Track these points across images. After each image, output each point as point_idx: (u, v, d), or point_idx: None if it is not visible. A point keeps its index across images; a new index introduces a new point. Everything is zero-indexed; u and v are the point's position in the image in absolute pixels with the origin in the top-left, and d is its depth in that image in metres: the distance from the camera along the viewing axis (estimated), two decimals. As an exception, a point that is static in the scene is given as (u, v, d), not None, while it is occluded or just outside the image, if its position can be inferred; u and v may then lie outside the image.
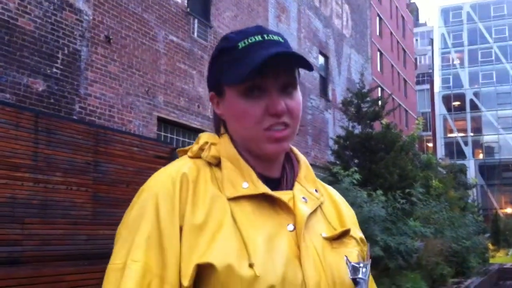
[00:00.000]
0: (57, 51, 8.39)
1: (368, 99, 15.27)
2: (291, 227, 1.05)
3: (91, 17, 9.16)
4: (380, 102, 15.79)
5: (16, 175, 5.81)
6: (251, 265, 0.97)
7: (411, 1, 68.23)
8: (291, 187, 1.12)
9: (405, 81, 40.99)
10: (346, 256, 1.08)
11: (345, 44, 23.06)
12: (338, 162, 14.05)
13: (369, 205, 10.04)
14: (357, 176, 10.79)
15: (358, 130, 14.94)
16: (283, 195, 1.08)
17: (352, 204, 8.25)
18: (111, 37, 9.54)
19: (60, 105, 8.36)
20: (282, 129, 1.07)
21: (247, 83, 1.05)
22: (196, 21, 12.21)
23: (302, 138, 17.94)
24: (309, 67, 1.08)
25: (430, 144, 62.68)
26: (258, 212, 1.05)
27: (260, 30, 1.10)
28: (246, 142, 1.10)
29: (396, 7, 39.22)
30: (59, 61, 8.40)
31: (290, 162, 1.17)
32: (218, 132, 1.16)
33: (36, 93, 7.96)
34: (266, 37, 1.09)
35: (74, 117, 8.43)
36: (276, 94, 1.06)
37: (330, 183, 11.45)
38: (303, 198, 1.11)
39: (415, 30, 61.66)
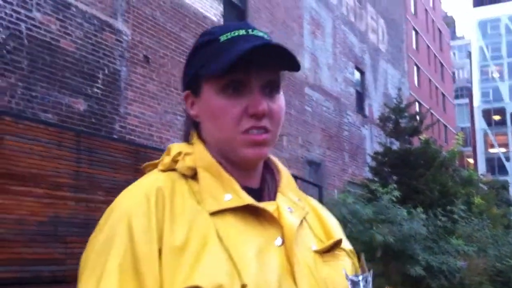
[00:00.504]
0: (98, 71, 8.55)
1: (406, 114, 15.09)
2: (279, 240, 0.96)
3: (130, 37, 9.32)
4: (418, 117, 15.57)
5: (59, 194, 5.91)
6: (244, 286, 0.88)
7: (448, 14, 67.49)
8: (273, 198, 1.03)
9: (443, 95, 40.41)
10: (345, 270, 1.00)
11: (381, 58, 22.89)
12: (376, 179, 13.87)
13: (410, 223, 9.86)
14: (396, 193, 10.62)
15: (396, 146, 14.76)
16: (267, 206, 0.98)
17: (391, 223, 8.12)
18: (149, 56, 9.68)
19: (101, 124, 8.49)
20: (262, 132, 0.98)
21: (226, 78, 0.96)
22: (232, 39, 12.31)
23: (339, 154, 17.80)
24: (296, 65, 0.99)
25: (471, 160, 61.46)
26: (244, 226, 0.95)
27: (245, 25, 1.01)
28: (221, 146, 1.00)
29: (433, 20, 38.83)
30: (99, 81, 8.55)
31: (270, 171, 1.08)
32: (187, 137, 1.05)
33: (78, 113, 8.11)
34: (250, 32, 1.00)
35: (114, 136, 8.55)
36: (257, 93, 0.97)
37: (368, 200, 11.35)
38: (288, 208, 1.01)
39: (452, 43, 60.87)
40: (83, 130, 7.38)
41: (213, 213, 0.94)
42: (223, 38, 0.98)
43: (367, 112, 20.65)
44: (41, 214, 5.66)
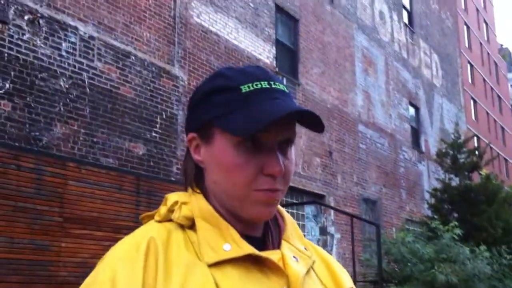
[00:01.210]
0: (156, 116, 8.81)
1: (464, 149, 14.74)
2: None
3: (186, 82, 9.59)
4: (477, 152, 15.19)
5: (119, 237, 6.03)
6: None
7: (503, 46, 66.12)
8: (278, 246, 0.97)
9: (502, 128, 39.29)
10: None
11: (436, 93, 22.57)
12: (436, 216, 13.52)
13: (473, 261, 9.53)
14: (458, 230, 10.32)
15: (455, 182, 14.39)
16: (271, 255, 0.93)
17: (454, 262, 7.86)
18: (205, 100, 9.91)
19: (159, 167, 8.70)
20: (275, 191, 0.93)
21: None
22: (284, 79, 12.46)
23: (396, 191, 17.49)
24: (321, 128, 0.94)
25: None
26: (246, 277, 0.89)
27: (264, 74, 0.95)
28: (229, 200, 0.94)
29: (488, 53, 38.14)
30: (157, 125, 8.80)
31: (274, 218, 1.01)
32: (188, 182, 0.99)
33: (137, 157, 8.35)
34: (272, 85, 0.93)
35: (172, 178, 8.73)
36: (275, 152, 0.92)
37: (428, 238, 11.06)
38: (294, 257, 0.96)
39: (510, 75, 59.40)
40: (142, 174, 7.58)
41: (212, 265, 0.88)
42: (244, 88, 0.92)
43: (423, 147, 20.29)
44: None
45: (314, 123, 0.93)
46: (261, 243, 0.96)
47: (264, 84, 0.92)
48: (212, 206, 0.95)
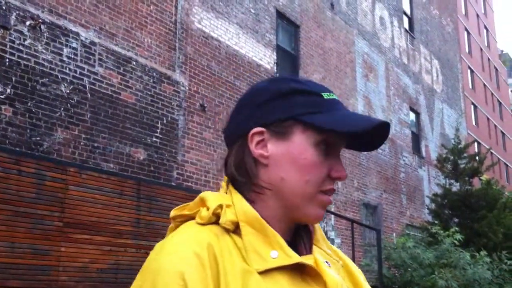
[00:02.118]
0: (157, 121, 8.83)
1: (465, 154, 14.74)
2: None
3: (187, 88, 9.62)
4: (478, 158, 15.18)
5: (120, 242, 6.07)
6: None
7: (503, 52, 66.17)
8: (310, 251, 0.98)
9: (503, 134, 39.29)
10: None
11: (437, 99, 22.60)
12: (436, 221, 13.52)
13: (473, 267, 9.52)
14: (458, 236, 10.32)
15: (455, 187, 14.39)
16: (307, 260, 0.93)
17: (454, 267, 7.85)
18: (205, 105, 9.94)
19: (160, 172, 8.71)
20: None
21: (326, 135, 0.95)
22: (285, 85, 12.48)
23: (396, 197, 17.49)
24: (379, 145, 0.99)
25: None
26: (293, 285, 0.89)
27: (325, 88, 1.00)
28: (293, 196, 0.94)
29: (488, 59, 38.18)
30: (158, 130, 8.82)
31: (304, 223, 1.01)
32: (250, 178, 0.96)
33: (138, 162, 8.37)
34: (337, 98, 0.99)
35: (173, 183, 8.74)
36: (339, 158, 0.97)
37: (429, 244, 11.05)
38: (326, 262, 0.97)
39: (510, 81, 59.42)
40: (143, 179, 7.60)
41: (261, 272, 0.88)
42: (325, 95, 0.96)
43: (423, 153, 20.30)
44: (102, 262, 5.82)
45: (373, 141, 0.99)
46: (293, 247, 0.95)
47: (334, 96, 0.98)
48: (254, 208, 0.94)
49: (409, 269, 10.00)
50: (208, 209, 0.93)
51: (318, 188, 0.94)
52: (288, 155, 0.94)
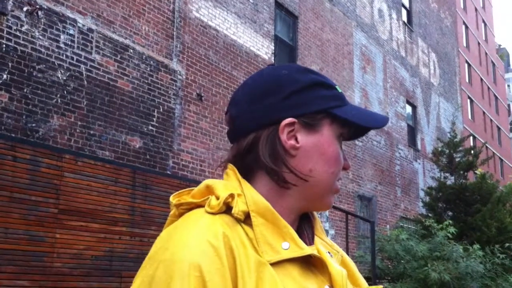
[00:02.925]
0: (153, 110, 8.82)
1: (460, 148, 14.78)
2: None
3: (184, 77, 9.60)
4: (473, 152, 15.22)
5: (114, 229, 6.08)
6: None
7: (501, 47, 66.19)
8: (312, 242, 0.98)
9: (498, 128, 39.39)
10: None
11: (433, 92, 22.62)
12: (430, 214, 13.58)
13: (466, 260, 9.57)
14: (452, 229, 10.36)
15: (450, 181, 14.44)
16: (314, 252, 0.93)
17: (447, 260, 7.88)
18: (202, 94, 9.93)
19: (155, 160, 8.71)
20: None
21: (346, 129, 0.99)
22: (283, 75, 12.47)
23: (391, 189, 17.54)
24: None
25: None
26: (300, 275, 0.89)
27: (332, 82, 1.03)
28: (319, 188, 0.96)
29: (486, 53, 38.18)
30: (154, 119, 8.81)
31: (305, 214, 1.01)
32: (282, 167, 0.94)
33: (133, 150, 8.36)
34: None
35: (168, 172, 8.74)
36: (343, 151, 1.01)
37: (422, 236, 11.10)
38: (328, 253, 0.98)
39: (507, 75, 59.49)
40: (138, 167, 7.59)
41: (273, 264, 0.87)
42: (338, 89, 1.00)
43: (419, 146, 20.34)
44: (97, 249, 5.83)
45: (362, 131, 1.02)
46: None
47: (340, 90, 1.02)
48: (267, 199, 0.93)
49: (402, 261, 10.05)
50: (217, 198, 0.90)
51: (336, 179, 0.98)
52: (318, 147, 0.95)
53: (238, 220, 0.89)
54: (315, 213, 1.03)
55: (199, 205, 0.92)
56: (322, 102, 0.96)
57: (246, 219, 0.90)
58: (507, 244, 11.83)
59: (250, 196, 0.91)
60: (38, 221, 5.36)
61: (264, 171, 0.95)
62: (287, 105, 0.95)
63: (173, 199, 0.95)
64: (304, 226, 0.99)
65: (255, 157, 0.95)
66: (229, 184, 0.94)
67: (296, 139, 0.95)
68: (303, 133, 0.95)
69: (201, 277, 0.79)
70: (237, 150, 0.97)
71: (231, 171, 0.96)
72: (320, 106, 0.96)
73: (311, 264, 0.92)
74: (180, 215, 0.93)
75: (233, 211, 0.89)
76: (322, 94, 0.97)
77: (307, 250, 0.90)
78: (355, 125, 0.98)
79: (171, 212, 0.95)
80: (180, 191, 0.97)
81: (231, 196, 0.90)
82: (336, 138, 0.97)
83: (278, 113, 0.95)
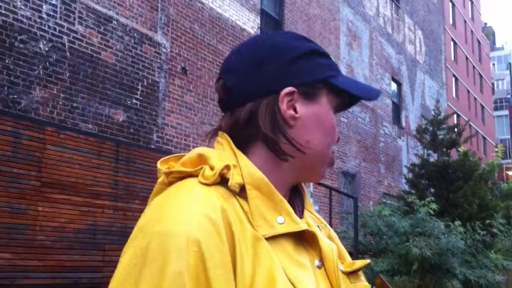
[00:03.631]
0: (137, 83, 8.72)
1: (444, 126, 14.89)
2: (317, 263, 0.89)
3: (169, 50, 9.49)
4: (456, 129, 15.35)
5: (97, 203, 6.05)
6: None
7: (487, 25, 66.37)
8: (301, 215, 0.94)
9: (482, 107, 39.68)
10: None
11: (419, 70, 22.66)
12: (413, 191, 13.72)
13: (447, 236, 9.71)
14: (434, 206, 10.49)
15: (433, 158, 14.56)
16: (305, 226, 0.90)
17: (429, 236, 8.00)
18: (187, 68, 9.83)
19: (139, 134, 8.65)
20: None
21: (340, 100, 0.96)
22: (268, 50, 12.39)
23: (375, 166, 17.65)
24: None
25: (511, 173, 60.01)
26: (293, 250, 0.86)
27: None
28: (314, 158, 0.93)
29: (472, 31, 38.24)
30: (138, 92, 8.72)
31: (295, 187, 0.98)
32: (280, 137, 0.91)
33: (117, 123, 8.29)
34: None
35: (152, 146, 8.69)
36: None
37: (405, 213, 11.23)
38: (318, 227, 0.95)
39: (492, 54, 59.77)
40: (122, 140, 7.54)
41: (268, 238, 0.83)
42: (331, 59, 0.98)
43: (403, 123, 20.44)
44: (80, 222, 5.81)
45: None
46: None
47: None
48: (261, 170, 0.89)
49: (384, 237, 10.17)
50: (212, 168, 0.85)
51: (330, 150, 0.95)
52: (316, 117, 0.92)
53: (233, 193, 0.85)
54: (304, 187, 1.00)
55: (191, 175, 0.86)
56: (320, 72, 0.94)
57: (240, 192, 0.86)
58: (488, 221, 12.03)
59: (245, 168, 0.87)
60: (20, 193, 5.31)
61: (262, 142, 0.91)
62: (286, 74, 0.92)
63: (161, 165, 0.90)
64: (294, 199, 0.95)
65: (254, 127, 0.91)
66: (223, 154, 0.89)
67: (294, 109, 0.91)
68: (301, 103, 0.92)
69: (200, 252, 0.75)
70: (234, 120, 0.92)
71: (225, 141, 0.92)
72: (319, 75, 0.93)
73: (303, 238, 0.89)
74: (170, 183, 0.88)
75: (229, 183, 0.84)
76: (319, 63, 0.94)
77: (302, 225, 0.87)
78: (353, 96, 0.95)
79: (159, 180, 0.89)
80: (167, 157, 0.92)
81: (227, 167, 0.85)
82: (333, 108, 0.95)
83: (278, 82, 0.91)
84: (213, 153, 0.89)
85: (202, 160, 0.88)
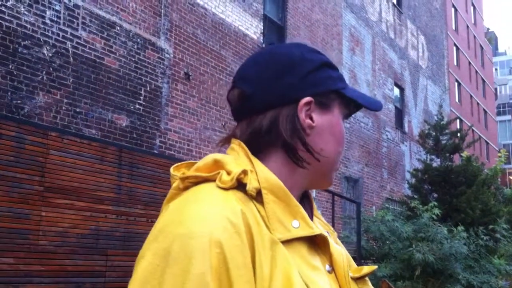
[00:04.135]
0: (140, 88, 8.75)
1: (447, 131, 14.86)
2: (328, 267, 0.92)
3: (172, 55, 9.52)
4: (459, 134, 15.31)
5: (100, 208, 6.05)
6: None
7: (490, 30, 66.38)
8: (311, 220, 0.96)
9: (485, 111, 39.64)
10: None
11: (421, 75, 22.66)
12: (416, 196, 13.68)
13: (450, 241, 9.68)
14: (436, 211, 10.46)
15: (436, 163, 14.53)
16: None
17: (431, 241, 7.97)
18: (190, 73, 9.86)
19: (142, 139, 8.67)
20: None
21: (349, 111, 1.03)
22: (271, 56, 12.40)
23: (378, 171, 17.63)
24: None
25: (513, 177, 59.88)
26: (307, 254, 0.89)
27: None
28: (326, 167, 0.97)
29: (474, 36, 38.25)
30: (141, 97, 8.75)
31: (304, 193, 1.02)
32: (302, 145, 0.94)
33: (120, 128, 8.31)
34: None
35: (155, 151, 8.71)
36: None
37: (408, 218, 11.20)
38: (327, 232, 0.98)
39: (494, 59, 59.76)
40: (124, 145, 7.55)
41: (284, 242, 0.86)
42: (339, 71, 1.04)
43: (406, 128, 20.43)
44: (83, 227, 5.80)
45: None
46: None
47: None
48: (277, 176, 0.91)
49: (387, 242, 10.14)
50: (228, 173, 0.88)
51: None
52: (330, 126, 0.97)
53: (250, 197, 0.87)
54: (310, 193, 1.04)
55: (207, 179, 0.88)
56: (333, 83, 0.99)
57: (256, 196, 0.88)
58: (490, 226, 11.98)
59: (261, 173, 0.90)
60: (22, 198, 5.31)
61: (280, 148, 0.94)
62: (305, 84, 0.96)
63: (176, 171, 0.93)
64: (304, 205, 0.97)
65: (274, 135, 0.94)
66: (238, 160, 0.92)
67: (311, 118, 0.96)
68: (317, 112, 0.96)
69: (222, 253, 0.76)
70: (255, 127, 0.94)
71: (239, 147, 0.95)
72: (332, 86, 0.98)
73: (315, 243, 0.91)
74: (185, 188, 0.90)
75: (247, 188, 0.87)
76: (332, 75, 0.99)
77: (316, 230, 0.90)
78: (361, 107, 1.01)
79: (174, 185, 0.92)
80: (178, 164, 0.95)
81: (244, 172, 0.88)
82: (342, 118, 1.00)
83: (297, 91, 0.95)
84: (229, 159, 0.91)
85: (218, 165, 0.90)
